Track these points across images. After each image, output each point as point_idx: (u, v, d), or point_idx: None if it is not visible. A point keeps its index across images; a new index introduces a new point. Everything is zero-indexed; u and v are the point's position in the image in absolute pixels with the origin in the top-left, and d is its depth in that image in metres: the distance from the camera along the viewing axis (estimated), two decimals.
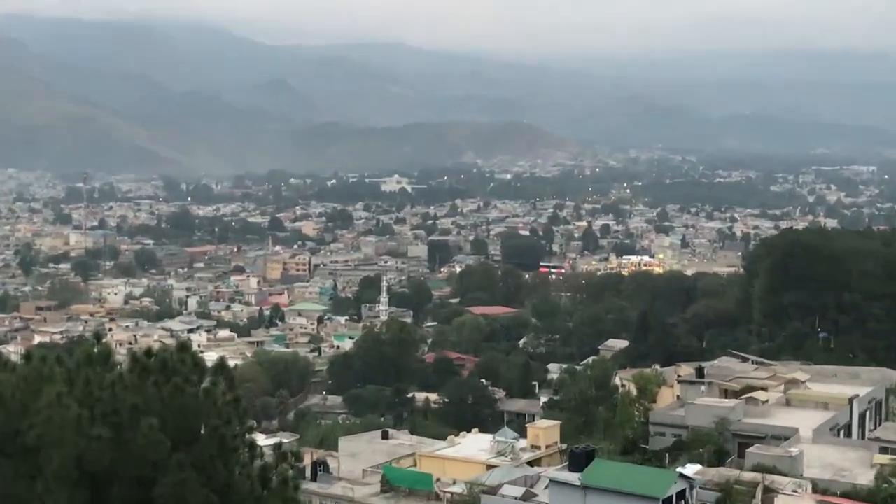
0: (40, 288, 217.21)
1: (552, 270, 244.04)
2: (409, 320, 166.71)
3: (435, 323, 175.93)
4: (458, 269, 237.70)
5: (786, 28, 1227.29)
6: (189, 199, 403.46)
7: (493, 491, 47.34)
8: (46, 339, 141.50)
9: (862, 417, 66.81)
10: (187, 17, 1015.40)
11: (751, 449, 51.67)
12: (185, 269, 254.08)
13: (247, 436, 23.78)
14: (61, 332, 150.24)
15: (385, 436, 72.70)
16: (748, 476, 45.12)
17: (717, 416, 57.54)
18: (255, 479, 23.17)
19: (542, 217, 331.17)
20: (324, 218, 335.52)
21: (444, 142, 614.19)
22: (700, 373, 74.91)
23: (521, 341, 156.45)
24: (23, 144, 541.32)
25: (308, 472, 57.65)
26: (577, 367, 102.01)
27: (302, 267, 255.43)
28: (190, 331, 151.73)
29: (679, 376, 76.85)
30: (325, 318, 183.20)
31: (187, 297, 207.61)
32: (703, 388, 70.76)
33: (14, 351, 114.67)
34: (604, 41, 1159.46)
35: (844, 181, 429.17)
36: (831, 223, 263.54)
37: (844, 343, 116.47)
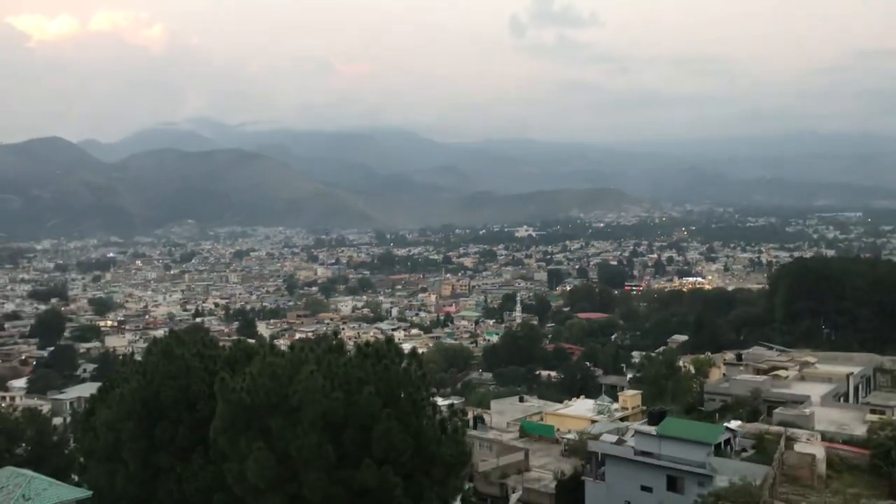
0: (299, 303, 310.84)
1: (633, 288, 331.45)
2: (535, 322, 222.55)
3: (553, 324, 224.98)
4: (568, 288, 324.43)
5: (794, 118, 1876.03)
6: (391, 244, 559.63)
7: (595, 437, 61.89)
8: (303, 335, 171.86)
9: (856, 388, 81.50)
10: (389, 125, 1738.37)
11: (776, 410, 64.42)
12: (390, 290, 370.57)
13: (430, 399, 32.52)
14: (313, 331, 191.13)
15: (521, 400, 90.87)
16: (775, 429, 58.35)
17: (752, 388, 71.91)
18: (437, 428, 31.27)
19: (625, 252, 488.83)
20: (478, 255, 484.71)
21: (558, 203, 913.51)
22: (739, 358, 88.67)
23: (613, 337, 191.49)
24: (288, 211, 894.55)
25: (470, 423, 72.66)
26: (653, 354, 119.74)
27: (464, 287, 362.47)
28: (393, 329, 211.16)
29: (724, 360, 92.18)
30: (480, 321, 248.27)
31: (391, 307, 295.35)
32: (741, 368, 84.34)
33: (283, 343, 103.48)
34: (667, 131, 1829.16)
35: (839, 224, 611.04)
36: (830, 253, 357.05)
37: (842, 336, 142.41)
